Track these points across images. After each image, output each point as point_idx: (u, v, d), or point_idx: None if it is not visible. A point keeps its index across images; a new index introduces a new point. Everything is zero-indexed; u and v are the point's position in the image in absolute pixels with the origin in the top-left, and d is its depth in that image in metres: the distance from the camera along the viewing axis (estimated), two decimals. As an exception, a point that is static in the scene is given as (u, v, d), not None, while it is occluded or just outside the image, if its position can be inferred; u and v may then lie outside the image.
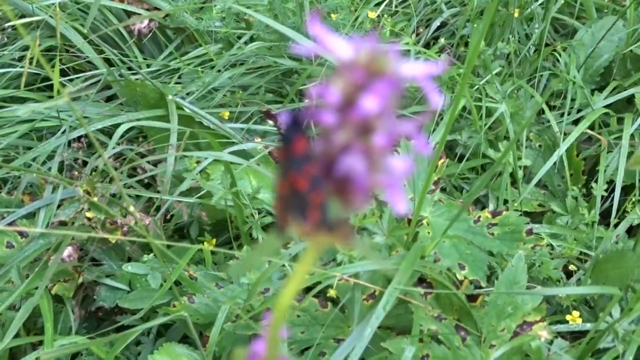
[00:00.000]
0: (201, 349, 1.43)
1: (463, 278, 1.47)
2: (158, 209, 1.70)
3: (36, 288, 1.50)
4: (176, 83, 1.95)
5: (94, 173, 1.71)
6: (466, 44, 2.21)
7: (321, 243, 0.47)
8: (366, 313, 1.38)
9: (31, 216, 1.66)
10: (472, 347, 1.40)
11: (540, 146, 1.97)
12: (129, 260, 1.64)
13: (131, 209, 1.29)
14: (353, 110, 0.43)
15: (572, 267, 1.72)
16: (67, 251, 1.55)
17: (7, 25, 2.01)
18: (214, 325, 1.43)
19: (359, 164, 0.44)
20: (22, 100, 1.93)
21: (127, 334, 1.48)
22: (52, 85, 1.95)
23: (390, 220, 1.48)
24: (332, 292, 1.44)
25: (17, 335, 1.47)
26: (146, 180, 1.80)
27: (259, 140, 1.79)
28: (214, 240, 1.70)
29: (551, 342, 1.45)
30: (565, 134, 1.89)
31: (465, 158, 1.89)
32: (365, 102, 0.43)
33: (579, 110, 2.00)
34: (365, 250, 0.47)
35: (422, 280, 1.46)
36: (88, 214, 1.64)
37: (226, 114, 1.89)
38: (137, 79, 1.89)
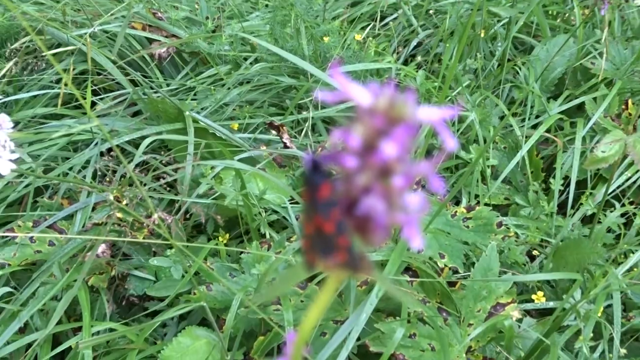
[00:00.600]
0: (218, 331, 1.39)
1: (443, 266, 1.43)
2: (179, 209, 1.66)
3: (75, 280, 1.46)
4: (192, 99, 1.91)
5: (122, 179, 1.67)
6: (439, 61, 2.18)
7: (343, 276, 0.43)
8: (360, 297, 1.35)
9: (69, 218, 1.62)
10: (453, 326, 1.36)
11: (505, 148, 1.95)
12: (155, 254, 1.60)
13: (155, 215, 1.25)
14: (373, 154, 0.39)
15: (535, 252, 1.70)
16: (101, 248, 1.51)
17: (44, 53, 1.96)
18: (229, 311, 1.40)
19: (379, 205, 0.40)
20: (60, 117, 1.88)
21: (152, 323, 1.45)
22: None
23: (380, 217, 1.44)
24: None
25: (59, 322, 1.43)
26: (168, 185, 1.76)
27: (264, 148, 1.76)
28: (227, 235, 1.67)
29: (521, 320, 1.42)
30: (526, 137, 1.87)
31: (441, 159, 1.86)
32: (385, 148, 0.39)
33: (537, 116, 1.99)
34: (384, 282, 0.43)
35: (408, 269, 1.42)
36: (118, 215, 1.60)
37: (235, 125, 1.85)
38: (158, 97, 1.84)
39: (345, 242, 0.43)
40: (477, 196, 1.78)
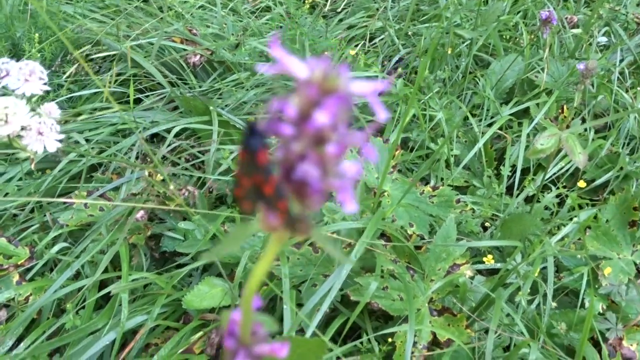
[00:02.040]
0: (228, 281, 1.32)
1: (412, 233, 1.35)
2: (204, 184, 1.59)
3: (117, 239, 1.39)
4: (218, 98, 1.84)
5: (160, 160, 1.60)
6: (415, 72, 2.10)
7: (284, 235, 0.35)
8: (345, 255, 1.27)
9: (116, 189, 1.54)
10: (418, 281, 1.29)
11: (465, 141, 1.88)
12: (184, 219, 1.53)
13: (172, 188, 1.18)
14: (308, 123, 0.31)
15: (487, 224, 1.63)
16: (139, 214, 1.44)
17: (97, 56, 1.89)
18: (239, 264, 1.32)
19: (313, 171, 0.33)
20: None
21: (178, 273, 1.38)
22: (136, 98, 1.85)
23: (361, 192, 1.37)
24: (319, 244, 1.33)
25: (105, 271, 1.36)
26: (196, 165, 1.68)
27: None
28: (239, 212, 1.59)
29: (473, 278, 1.34)
30: (482, 133, 1.81)
31: (415, 149, 1.80)
32: (318, 117, 0.31)
33: (492, 117, 1.92)
34: (321, 240, 0.36)
35: (383, 235, 1.34)
36: (156, 187, 1.53)
37: (252, 119, 1.77)
38: (191, 96, 1.77)
39: (283, 206, 0.35)
40: (442, 179, 1.72)
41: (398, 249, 1.32)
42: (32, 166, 1.01)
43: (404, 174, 1.79)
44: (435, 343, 1.25)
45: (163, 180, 1.56)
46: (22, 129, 0.95)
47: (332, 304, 1.25)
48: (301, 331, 1.23)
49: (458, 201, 1.45)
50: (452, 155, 1.78)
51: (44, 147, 0.97)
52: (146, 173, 1.38)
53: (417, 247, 1.35)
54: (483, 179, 1.76)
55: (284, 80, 1.81)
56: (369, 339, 1.24)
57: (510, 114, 1.91)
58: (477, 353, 1.24)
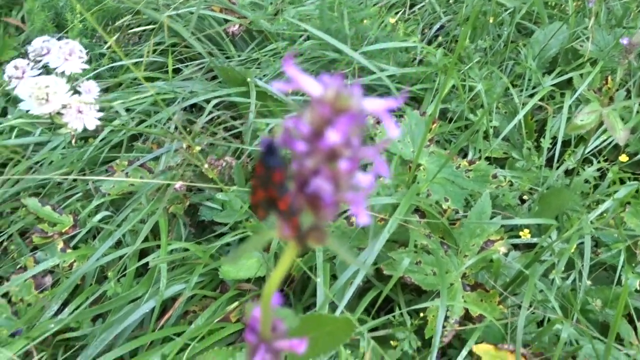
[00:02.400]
0: (263, 252, 1.34)
1: (447, 208, 1.36)
2: (242, 154, 1.62)
3: (157, 209, 1.43)
4: (256, 68, 1.85)
5: (199, 130, 1.62)
6: (456, 41, 2.08)
7: (298, 244, 0.37)
8: (379, 230, 1.29)
9: (156, 159, 1.58)
10: (451, 256, 1.30)
11: (505, 112, 1.86)
12: (221, 190, 1.56)
13: (206, 167, 1.20)
14: (321, 141, 0.33)
15: (525, 197, 1.62)
16: (178, 184, 1.47)
17: (138, 29, 1.91)
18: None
19: (326, 186, 0.34)
20: (152, 80, 1.84)
21: (213, 246, 1.41)
22: (175, 68, 1.87)
23: (396, 166, 1.37)
24: (353, 218, 1.35)
25: (145, 240, 1.40)
26: (234, 136, 1.71)
27: (311, 108, 1.69)
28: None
29: (507, 254, 1.34)
30: (523, 104, 1.78)
31: (453, 120, 1.79)
32: (329, 136, 0.32)
33: (534, 87, 1.89)
34: (336, 247, 0.37)
35: (417, 210, 1.35)
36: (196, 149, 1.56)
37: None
38: (229, 66, 1.78)
39: (295, 223, 0.36)
40: (481, 150, 1.71)
41: (432, 223, 1.33)
42: (73, 141, 1.04)
43: (441, 145, 1.79)
44: (467, 317, 1.27)
45: (201, 151, 1.59)
46: (63, 107, 0.98)
47: (366, 277, 1.27)
48: (334, 304, 1.25)
49: (494, 176, 1.45)
50: (491, 127, 1.77)
51: (84, 125, 1.00)
52: (184, 146, 1.40)
53: (452, 222, 1.36)
54: (522, 151, 1.75)
55: (322, 50, 1.80)
56: (401, 313, 1.26)
57: (553, 85, 1.88)
58: (510, 329, 1.25)
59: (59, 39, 1.05)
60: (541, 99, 1.83)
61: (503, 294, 1.28)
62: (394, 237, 1.31)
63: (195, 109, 1.79)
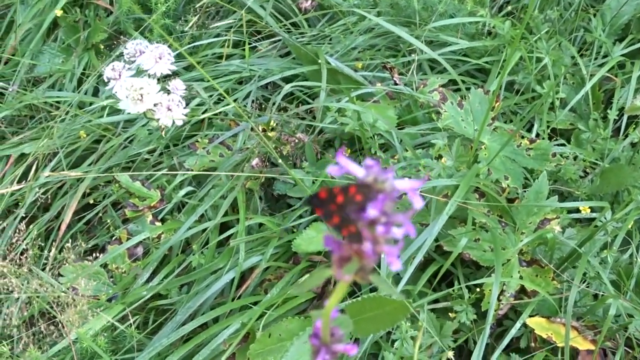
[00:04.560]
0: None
1: (506, 186, 1.45)
2: (314, 130, 1.74)
3: (236, 184, 1.57)
4: (328, 44, 1.95)
5: (273, 106, 1.75)
6: (525, 11, 2.11)
7: (349, 279, 0.49)
8: (441, 207, 1.39)
9: (234, 136, 1.72)
10: (509, 234, 1.40)
11: (573, 83, 1.90)
12: (294, 165, 1.69)
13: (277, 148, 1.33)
14: (363, 214, 0.45)
15: (588, 170, 1.68)
16: (255, 161, 1.61)
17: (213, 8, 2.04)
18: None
19: (367, 245, 0.46)
20: (229, 57, 1.97)
21: (288, 216, 1.55)
22: (251, 46, 1.99)
23: (457, 146, 1.47)
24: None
25: (225, 214, 1.56)
26: (307, 112, 1.82)
27: (379, 84, 1.79)
28: (349, 150, 1.72)
29: (564, 231, 1.43)
30: (591, 75, 1.82)
31: (520, 92, 1.85)
32: (369, 211, 0.45)
33: (604, 56, 1.91)
34: (380, 283, 0.50)
35: (477, 190, 1.45)
36: (270, 134, 1.69)
37: (359, 65, 1.88)
38: (302, 42, 1.90)
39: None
40: (548, 122, 1.77)
41: (491, 202, 1.42)
42: (163, 134, 1.19)
43: (507, 117, 1.85)
44: (523, 291, 1.37)
45: (275, 126, 1.72)
46: (154, 105, 1.13)
47: (427, 253, 1.38)
48: (398, 275, 1.37)
49: (554, 155, 1.52)
50: (558, 98, 1.82)
51: (173, 121, 1.15)
52: (260, 129, 1.54)
53: (510, 200, 1.45)
54: (589, 122, 1.80)
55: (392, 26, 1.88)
56: (460, 287, 1.37)
57: (624, 54, 1.90)
58: (563, 303, 1.35)
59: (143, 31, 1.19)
60: (610, 69, 1.86)
61: (558, 269, 1.37)
62: (454, 214, 1.41)
63: (270, 85, 1.91)
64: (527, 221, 1.40)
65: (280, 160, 1.35)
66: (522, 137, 1.56)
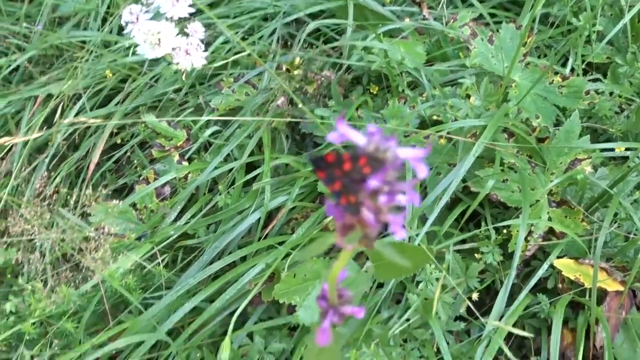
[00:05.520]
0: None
1: (536, 125, 1.41)
2: (340, 68, 1.70)
3: (261, 124, 1.56)
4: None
5: (298, 44, 1.71)
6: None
7: (352, 248, 0.48)
8: (469, 147, 1.36)
9: (260, 74, 1.69)
10: (538, 174, 1.37)
11: (611, 14, 1.82)
12: (321, 103, 1.66)
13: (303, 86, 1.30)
14: (365, 184, 0.43)
15: (624, 107, 1.62)
16: (280, 100, 1.59)
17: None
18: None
19: (369, 214, 0.44)
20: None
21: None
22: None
23: (486, 87, 1.42)
24: (442, 140, 1.43)
25: (251, 154, 1.55)
26: (333, 49, 1.78)
27: (408, 20, 1.73)
28: (377, 87, 1.69)
29: (596, 170, 1.39)
30: (630, 6, 1.74)
31: (555, 25, 1.78)
32: (370, 182, 0.43)
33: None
34: (384, 249, 0.49)
35: (506, 130, 1.41)
36: (295, 72, 1.66)
37: (387, 0, 1.82)
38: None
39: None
40: (583, 56, 1.71)
41: (520, 142, 1.39)
42: (183, 77, 1.17)
43: (541, 51, 1.79)
44: (552, 232, 1.35)
45: (301, 64, 1.69)
46: (173, 49, 1.11)
47: (454, 194, 1.36)
48: (424, 216, 1.36)
49: (587, 92, 1.47)
50: (594, 31, 1.75)
51: (192, 64, 1.13)
52: (284, 68, 1.51)
53: (540, 140, 1.42)
54: (626, 56, 1.73)
55: None
56: (487, 228, 1.35)
57: (666, -17, 1.81)
58: (593, 244, 1.32)
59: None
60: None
61: (588, 210, 1.34)
62: (482, 154, 1.38)
63: (296, 22, 1.87)
64: (557, 161, 1.37)
65: (300, 105, 1.32)
66: (556, 74, 1.50)
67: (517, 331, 0.92)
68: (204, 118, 1.54)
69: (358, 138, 0.45)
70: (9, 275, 1.47)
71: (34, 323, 1.32)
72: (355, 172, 0.45)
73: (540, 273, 1.29)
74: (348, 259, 0.51)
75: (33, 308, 1.31)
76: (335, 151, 0.47)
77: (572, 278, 1.27)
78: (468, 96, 1.44)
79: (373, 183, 0.43)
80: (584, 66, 1.68)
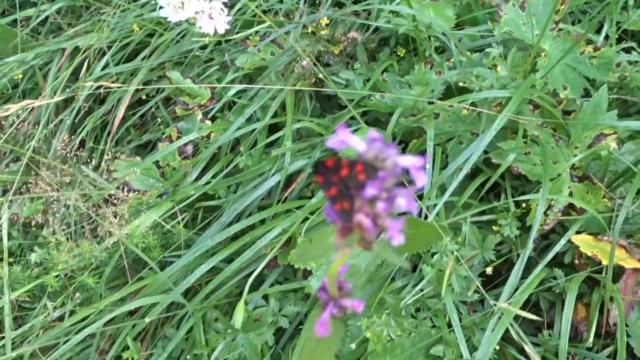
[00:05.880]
0: (382, 130, 1.45)
1: (563, 97, 1.38)
2: (368, 29, 1.68)
3: (284, 86, 1.55)
4: None
5: (326, 3, 1.69)
6: None
7: (351, 247, 0.48)
8: (493, 117, 1.34)
9: (287, 34, 1.67)
10: (562, 147, 1.35)
11: (651, -20, 1.76)
12: (348, 65, 1.65)
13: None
14: (362, 192, 0.44)
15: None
16: (305, 62, 1.57)
17: None
18: (392, 116, 1.44)
19: (365, 220, 0.44)
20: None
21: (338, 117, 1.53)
22: None
23: (514, 57, 1.39)
24: (465, 111, 1.41)
25: (274, 115, 1.55)
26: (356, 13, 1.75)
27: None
28: (404, 50, 1.66)
29: (621, 145, 1.37)
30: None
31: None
32: (368, 190, 0.43)
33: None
34: (383, 250, 0.49)
35: (531, 101, 1.39)
36: (323, 32, 1.64)
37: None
38: None
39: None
40: (618, 23, 1.66)
41: (546, 114, 1.37)
42: (206, 40, 1.17)
43: (575, 16, 1.74)
44: (572, 207, 1.34)
45: (328, 24, 1.67)
46: (196, 13, 1.10)
47: (475, 164, 1.35)
48: (443, 186, 1.35)
49: (618, 65, 1.44)
50: (632, -3, 1.70)
51: (215, 28, 1.12)
52: (309, 30, 1.49)
53: (566, 113, 1.39)
54: (664, 22, 1.68)
55: None
56: (506, 201, 1.34)
57: None
58: (614, 220, 1.31)
59: None
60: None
61: (611, 186, 1.33)
62: (506, 125, 1.36)
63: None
64: (582, 135, 1.34)
65: (321, 72, 1.31)
66: (588, 43, 1.47)
67: (524, 314, 0.92)
68: (228, 78, 1.54)
69: (358, 144, 0.45)
70: (33, 228, 1.51)
71: (56, 276, 1.36)
72: (352, 179, 0.45)
73: (557, 248, 1.28)
74: (345, 259, 0.51)
75: (56, 261, 1.35)
76: (336, 157, 0.47)
77: (590, 254, 1.26)
78: (495, 66, 1.41)
79: (370, 191, 0.43)
80: (618, 33, 1.63)
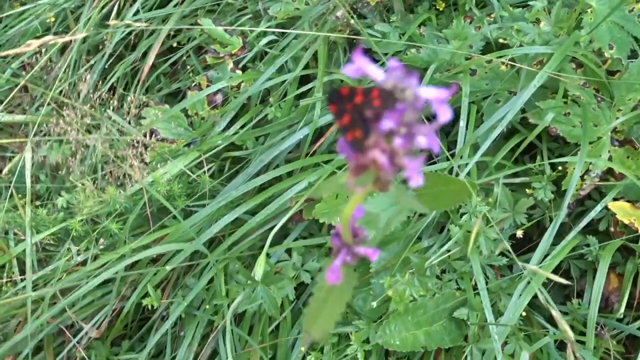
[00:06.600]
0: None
1: (608, 57, 1.32)
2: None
3: (318, 36, 1.51)
4: None
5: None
6: None
7: (366, 189, 0.45)
8: (532, 75, 1.29)
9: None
10: (604, 109, 1.29)
11: None
12: (383, 17, 1.59)
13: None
14: (378, 125, 0.40)
15: None
16: (340, 12, 1.52)
17: None
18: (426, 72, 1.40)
19: (381, 157, 0.41)
20: None
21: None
22: None
23: (558, 11, 1.33)
24: (503, 67, 1.35)
25: (305, 67, 1.50)
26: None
27: None
28: (443, 4, 1.60)
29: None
30: None
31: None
32: (384, 122, 0.39)
33: None
34: (399, 193, 0.45)
35: (574, 59, 1.32)
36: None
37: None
38: None
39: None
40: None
41: (589, 73, 1.30)
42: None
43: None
44: (611, 172, 1.28)
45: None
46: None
47: (510, 124, 1.30)
48: (476, 144, 1.30)
49: (669, 25, 1.36)
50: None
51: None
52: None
53: (611, 73, 1.33)
54: None
55: None
56: (541, 163, 1.29)
57: None
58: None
59: None
60: None
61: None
62: (546, 84, 1.31)
63: None
64: (626, 97, 1.28)
65: (356, 27, 1.26)
66: (638, 1, 1.39)
67: (555, 277, 0.88)
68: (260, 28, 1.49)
69: (376, 73, 0.41)
70: (61, 171, 1.50)
71: (81, 220, 1.35)
72: (367, 106, 0.41)
73: (592, 214, 1.23)
74: (361, 199, 0.48)
75: (81, 206, 1.34)
76: (350, 85, 0.44)
77: (626, 222, 1.21)
78: (538, 20, 1.34)
79: (386, 124, 0.40)
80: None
